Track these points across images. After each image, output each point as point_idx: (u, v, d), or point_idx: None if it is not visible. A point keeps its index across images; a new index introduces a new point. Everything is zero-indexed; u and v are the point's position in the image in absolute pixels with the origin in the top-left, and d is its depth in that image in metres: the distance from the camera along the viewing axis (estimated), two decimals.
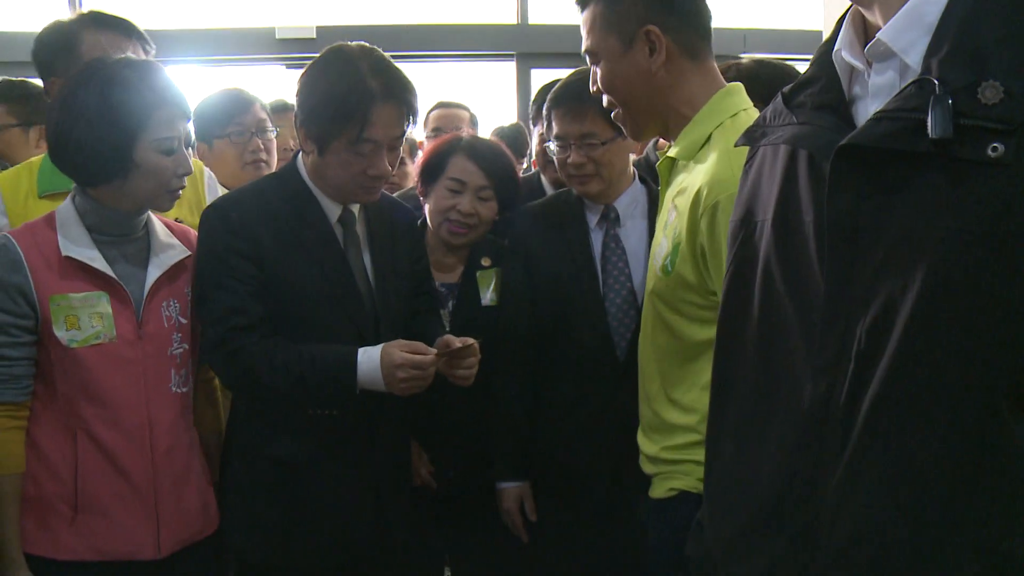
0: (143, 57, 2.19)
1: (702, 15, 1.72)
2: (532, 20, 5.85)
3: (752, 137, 1.18)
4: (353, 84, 1.82)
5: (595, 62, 1.75)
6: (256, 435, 1.95)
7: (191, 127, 2.25)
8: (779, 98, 1.11)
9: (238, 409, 2.05)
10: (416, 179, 2.48)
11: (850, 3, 1.04)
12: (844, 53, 1.01)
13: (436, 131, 3.72)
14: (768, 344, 1.08)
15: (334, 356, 1.84)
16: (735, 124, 1.64)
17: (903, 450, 0.90)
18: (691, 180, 1.65)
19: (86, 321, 1.74)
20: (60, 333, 1.72)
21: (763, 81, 2.10)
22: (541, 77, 5.76)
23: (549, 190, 2.80)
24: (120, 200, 1.80)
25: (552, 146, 2.25)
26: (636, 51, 1.67)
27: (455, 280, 2.38)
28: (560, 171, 2.29)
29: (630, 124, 1.79)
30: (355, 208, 2.00)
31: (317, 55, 1.90)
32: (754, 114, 1.67)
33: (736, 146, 1.26)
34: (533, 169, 3.11)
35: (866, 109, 0.99)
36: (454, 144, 2.39)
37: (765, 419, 1.07)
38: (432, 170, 2.37)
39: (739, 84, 1.75)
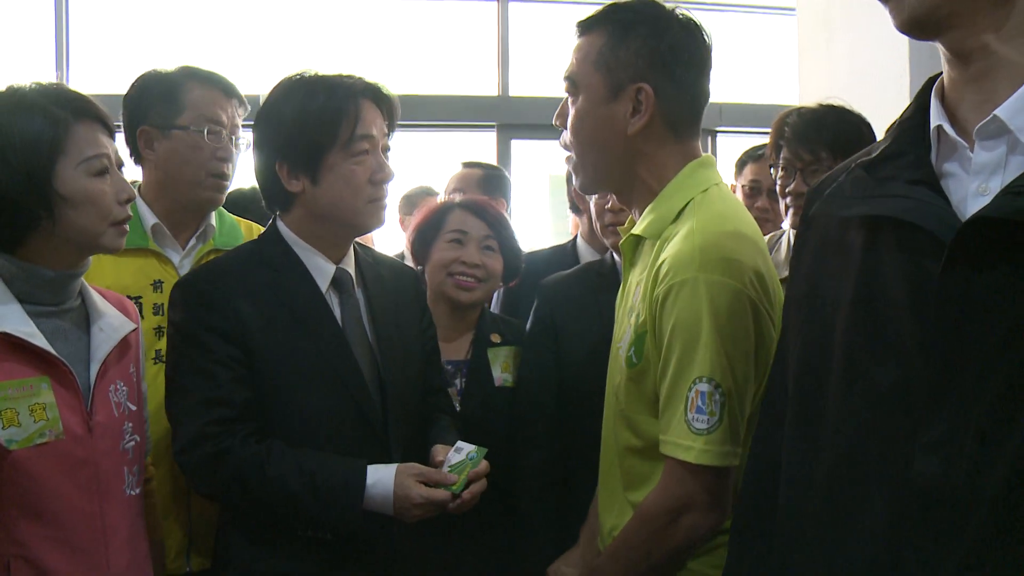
0: (238, 120, 2.00)
1: (699, 93, 1.46)
2: (512, 92, 5.74)
3: (831, 207, 1.07)
4: (331, 87, 1.60)
5: (571, 92, 1.48)
6: (249, 546, 1.60)
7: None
8: (856, 170, 1.04)
9: (225, 516, 1.69)
10: (409, 247, 2.24)
11: (930, 79, 1.01)
12: (947, 128, 0.96)
13: (460, 192, 3.28)
14: (857, 423, 0.98)
15: (339, 475, 1.52)
16: (706, 200, 1.40)
17: None
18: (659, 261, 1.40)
19: (26, 415, 1.34)
20: None
21: (829, 126, 1.89)
22: (521, 147, 5.67)
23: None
24: (53, 254, 1.43)
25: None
26: (618, 104, 1.42)
27: (462, 357, 2.11)
28: (597, 220, 2.06)
29: (582, 176, 1.53)
30: (350, 268, 1.70)
31: None
32: (726, 189, 1.44)
33: (811, 214, 1.13)
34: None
35: (962, 186, 0.94)
36: (449, 204, 2.18)
37: (856, 500, 0.97)
38: (429, 230, 2.13)
39: (711, 157, 1.50)
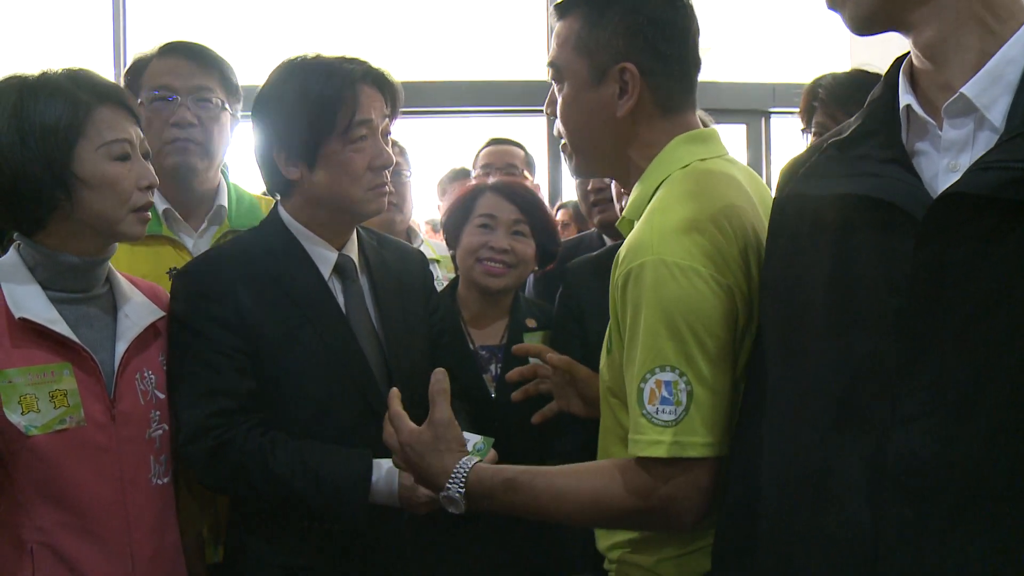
0: (221, 96, 1.88)
1: (688, 63, 1.36)
2: None
3: (805, 187, 1.06)
4: (330, 72, 1.54)
5: (557, 80, 1.42)
6: (259, 539, 1.58)
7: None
8: (830, 150, 1.04)
9: (235, 509, 1.66)
10: (442, 232, 2.17)
11: (899, 60, 1.01)
12: (915, 107, 0.96)
13: (486, 168, 3.03)
14: (836, 390, 0.98)
15: (343, 469, 1.48)
16: (684, 176, 1.31)
17: (1008, 507, 0.85)
18: None
19: (46, 401, 1.33)
20: (14, 417, 1.30)
21: (864, 88, 1.78)
22: None
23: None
24: (75, 239, 1.41)
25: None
26: (604, 87, 1.33)
27: (497, 342, 2.04)
28: (581, 201, 2.05)
29: (575, 162, 1.47)
30: (353, 254, 1.66)
31: None
32: (715, 164, 1.34)
33: (784, 195, 1.11)
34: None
35: (932, 163, 0.95)
36: (481, 186, 2.09)
37: (837, 471, 0.97)
38: (459, 213, 2.06)
39: (708, 131, 1.39)
